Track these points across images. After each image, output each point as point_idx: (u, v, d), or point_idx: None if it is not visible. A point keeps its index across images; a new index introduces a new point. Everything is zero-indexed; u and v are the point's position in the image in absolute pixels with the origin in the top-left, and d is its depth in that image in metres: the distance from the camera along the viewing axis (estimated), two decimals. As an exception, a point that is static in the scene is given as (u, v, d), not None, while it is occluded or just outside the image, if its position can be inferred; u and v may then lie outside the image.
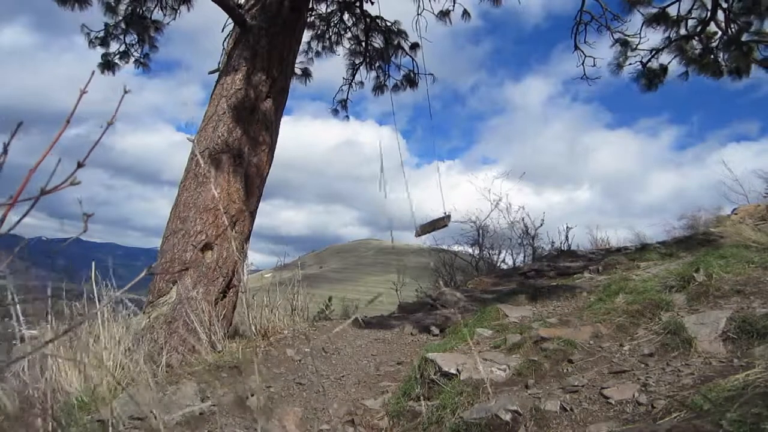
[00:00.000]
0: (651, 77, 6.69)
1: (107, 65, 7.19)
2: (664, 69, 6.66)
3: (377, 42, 7.88)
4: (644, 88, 6.83)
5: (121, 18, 6.88)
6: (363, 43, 7.89)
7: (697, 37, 6.24)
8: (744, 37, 5.86)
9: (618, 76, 6.85)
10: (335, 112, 8.62)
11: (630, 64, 6.75)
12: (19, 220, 0.86)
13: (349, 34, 7.98)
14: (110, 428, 2.38)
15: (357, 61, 8.09)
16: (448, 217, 6.23)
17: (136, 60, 7.32)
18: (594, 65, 7.27)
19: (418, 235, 6.23)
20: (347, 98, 8.48)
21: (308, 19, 6.83)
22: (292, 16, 5.33)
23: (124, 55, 7.19)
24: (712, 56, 6.22)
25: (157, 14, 7.00)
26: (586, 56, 7.26)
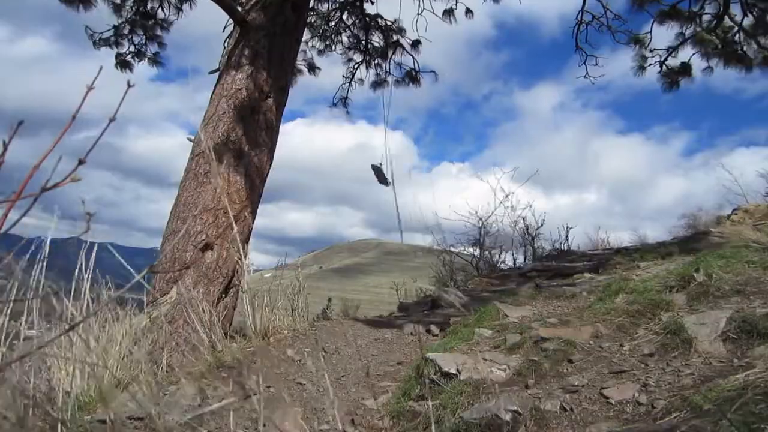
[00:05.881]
0: (671, 75, 6.58)
1: (123, 64, 7.26)
2: (686, 66, 6.50)
3: (377, 41, 7.90)
4: (666, 88, 6.70)
5: (126, 18, 6.93)
6: (363, 42, 7.91)
7: (713, 33, 6.13)
8: None
9: (641, 78, 6.76)
10: (334, 105, 8.68)
11: (650, 64, 6.66)
12: (20, 218, 0.86)
13: (348, 32, 8.01)
14: (110, 428, 2.38)
15: (357, 59, 8.13)
16: (373, 166, 6.82)
17: (149, 59, 7.38)
18: (596, 64, 7.31)
19: (387, 183, 6.82)
20: (347, 96, 8.54)
21: (308, 19, 6.84)
22: (293, 15, 5.33)
23: (139, 54, 7.27)
24: (733, 48, 6.05)
25: (161, 14, 7.05)
26: (587, 56, 7.30)
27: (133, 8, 6.89)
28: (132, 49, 7.23)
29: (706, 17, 6.17)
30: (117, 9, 6.83)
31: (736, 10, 6.01)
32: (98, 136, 0.82)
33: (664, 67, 6.61)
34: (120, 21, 6.94)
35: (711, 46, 6.06)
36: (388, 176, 7.04)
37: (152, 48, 7.33)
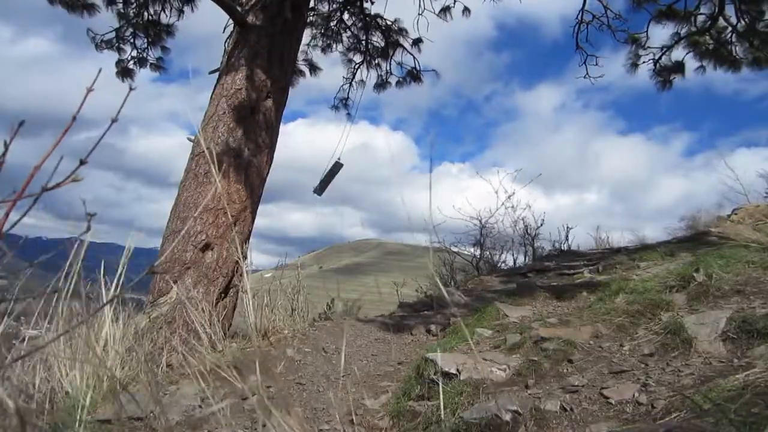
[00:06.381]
0: (664, 74, 6.62)
1: (124, 72, 7.20)
2: (679, 64, 6.54)
3: (377, 41, 7.90)
4: (659, 87, 6.74)
5: (127, 22, 6.90)
6: (363, 42, 7.91)
7: (708, 33, 6.18)
8: (759, 26, 5.81)
9: (634, 75, 6.81)
10: (336, 108, 8.67)
11: (644, 62, 6.71)
12: (21, 217, 0.87)
13: (348, 33, 8.00)
14: (111, 428, 2.39)
15: (357, 60, 8.12)
16: (338, 163, 6.24)
17: (151, 64, 7.34)
18: (596, 64, 7.31)
19: (320, 193, 6.24)
20: (348, 97, 8.53)
21: (308, 19, 6.83)
22: (293, 15, 5.33)
23: (142, 60, 7.22)
24: (727, 49, 6.11)
25: (162, 16, 7.03)
26: (588, 55, 7.30)
27: (136, 11, 6.86)
28: (134, 54, 7.17)
29: (701, 17, 6.20)
30: (121, 16, 6.82)
31: (730, 11, 6.05)
32: (100, 137, 0.82)
33: (657, 65, 6.64)
34: (122, 23, 6.90)
35: (703, 47, 6.11)
36: (328, 188, 6.31)
37: (155, 53, 7.30)
